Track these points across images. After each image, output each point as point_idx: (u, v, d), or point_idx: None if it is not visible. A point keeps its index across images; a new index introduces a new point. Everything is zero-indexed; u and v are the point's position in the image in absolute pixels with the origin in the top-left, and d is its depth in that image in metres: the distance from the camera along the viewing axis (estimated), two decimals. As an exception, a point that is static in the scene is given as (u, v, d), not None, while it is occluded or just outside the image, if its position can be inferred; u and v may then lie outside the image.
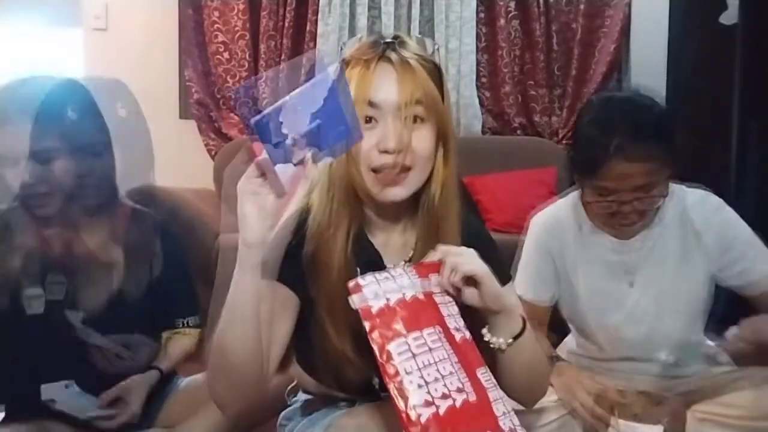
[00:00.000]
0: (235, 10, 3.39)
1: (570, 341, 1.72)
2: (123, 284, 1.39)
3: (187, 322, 1.50)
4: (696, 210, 1.45)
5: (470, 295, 0.99)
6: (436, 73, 1.08)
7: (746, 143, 2.96)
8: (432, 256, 1.00)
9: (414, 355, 0.89)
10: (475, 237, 1.15)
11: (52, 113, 1.29)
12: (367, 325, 0.90)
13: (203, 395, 1.46)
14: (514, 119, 3.44)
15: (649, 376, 1.53)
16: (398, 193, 1.06)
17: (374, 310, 0.90)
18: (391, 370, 0.87)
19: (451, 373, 0.90)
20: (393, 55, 1.05)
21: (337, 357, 1.08)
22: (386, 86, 1.03)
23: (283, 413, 1.29)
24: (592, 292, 1.53)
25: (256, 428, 1.48)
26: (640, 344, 1.51)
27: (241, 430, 1.47)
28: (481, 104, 3.46)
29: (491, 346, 1.03)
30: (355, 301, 0.91)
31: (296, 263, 1.06)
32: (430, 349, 0.91)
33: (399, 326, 0.90)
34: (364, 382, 1.11)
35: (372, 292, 0.91)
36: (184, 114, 3.45)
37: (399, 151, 1.02)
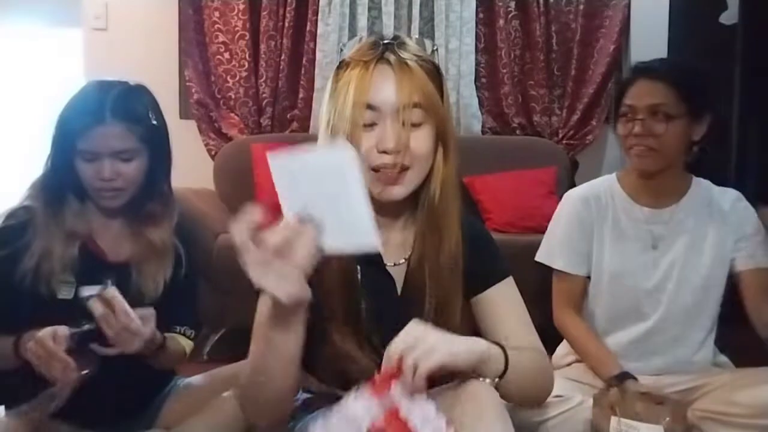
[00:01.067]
0: (235, 10, 3.39)
1: (565, 346, 1.73)
2: (160, 283, 1.46)
3: (184, 331, 1.51)
4: (723, 196, 1.63)
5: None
6: (435, 74, 1.08)
7: (746, 143, 2.97)
8: (386, 361, 0.92)
9: None
10: (476, 237, 1.17)
11: (139, 116, 1.40)
12: None
13: (203, 396, 1.48)
14: (513, 119, 3.44)
15: (654, 367, 1.56)
16: (397, 191, 1.06)
17: None
18: None
19: None
20: (391, 57, 1.05)
21: (338, 355, 1.09)
22: (385, 88, 1.03)
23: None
24: (621, 261, 1.60)
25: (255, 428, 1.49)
26: (656, 315, 1.57)
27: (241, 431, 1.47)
28: (481, 104, 3.46)
29: None
30: None
31: None
32: None
33: None
34: (367, 380, 1.11)
35: None
36: (184, 114, 3.46)
37: (398, 151, 1.02)
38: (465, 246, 1.13)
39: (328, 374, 1.15)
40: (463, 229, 1.13)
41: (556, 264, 1.66)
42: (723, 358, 1.64)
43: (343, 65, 1.08)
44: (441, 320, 1.05)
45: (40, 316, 1.32)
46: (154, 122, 1.43)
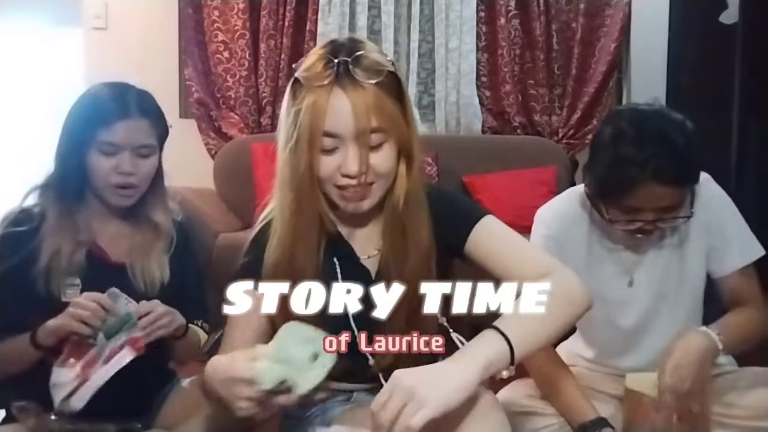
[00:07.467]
0: (235, 10, 3.39)
1: (571, 344, 1.71)
2: (158, 283, 1.45)
3: (201, 324, 1.54)
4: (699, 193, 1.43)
5: None
6: (392, 86, 1.06)
7: (746, 143, 2.97)
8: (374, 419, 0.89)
9: None
10: (439, 204, 1.16)
11: (159, 116, 1.44)
12: None
13: (202, 396, 1.48)
14: (514, 118, 3.44)
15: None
16: (363, 205, 1.09)
17: None
18: None
19: None
20: (345, 80, 1.02)
21: None
22: (342, 116, 1.02)
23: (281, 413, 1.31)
24: (594, 284, 1.46)
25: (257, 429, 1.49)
26: (636, 336, 1.52)
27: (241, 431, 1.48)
28: (481, 103, 3.46)
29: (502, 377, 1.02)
30: None
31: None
32: None
33: None
34: (360, 369, 1.14)
35: None
36: (184, 113, 3.46)
37: (361, 174, 1.04)
38: (433, 219, 1.14)
39: None
40: (430, 203, 1.14)
41: None
42: (723, 358, 1.63)
43: (297, 82, 1.06)
44: (415, 301, 1.05)
45: (43, 319, 1.31)
46: (169, 125, 1.47)
